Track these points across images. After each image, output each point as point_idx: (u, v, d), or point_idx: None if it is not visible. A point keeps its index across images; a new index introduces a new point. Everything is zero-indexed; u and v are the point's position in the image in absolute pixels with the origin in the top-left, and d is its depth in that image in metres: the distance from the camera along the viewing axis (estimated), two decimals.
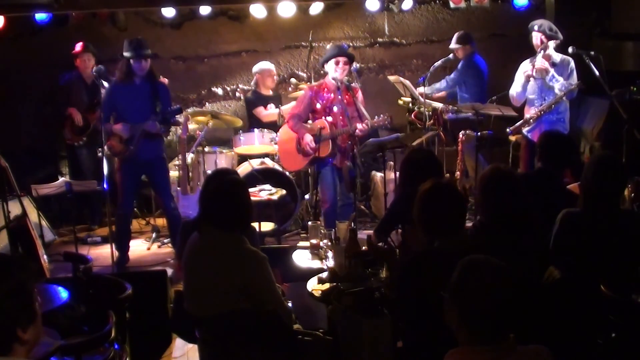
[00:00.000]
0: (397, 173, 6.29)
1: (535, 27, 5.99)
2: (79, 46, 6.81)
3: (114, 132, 5.67)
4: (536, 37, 5.98)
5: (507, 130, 6.27)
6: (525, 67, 6.08)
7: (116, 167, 5.84)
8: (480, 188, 3.43)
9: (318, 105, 5.89)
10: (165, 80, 6.81)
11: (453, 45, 7.14)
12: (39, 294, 1.97)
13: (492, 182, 3.36)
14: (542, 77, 5.94)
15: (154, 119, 5.55)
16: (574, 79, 5.90)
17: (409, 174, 3.99)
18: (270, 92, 7.21)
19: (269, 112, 7.01)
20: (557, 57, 5.95)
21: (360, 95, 6.03)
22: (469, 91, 7.10)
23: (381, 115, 5.74)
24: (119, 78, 5.68)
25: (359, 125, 5.71)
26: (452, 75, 7.23)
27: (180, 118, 6.05)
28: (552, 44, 5.93)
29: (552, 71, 5.88)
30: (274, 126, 6.93)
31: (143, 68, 5.60)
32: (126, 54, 5.58)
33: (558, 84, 5.85)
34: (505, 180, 3.36)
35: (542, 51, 5.93)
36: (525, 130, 6.11)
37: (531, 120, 6.00)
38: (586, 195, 3.43)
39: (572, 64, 5.91)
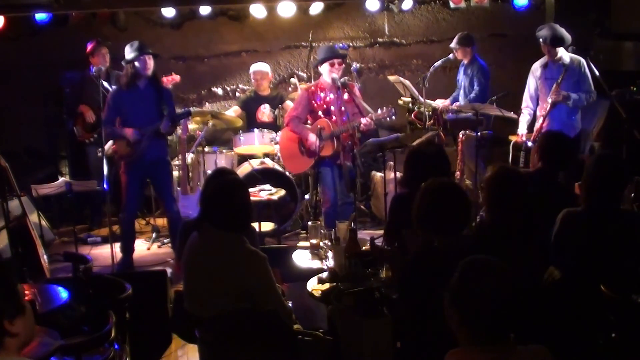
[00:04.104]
0: (397, 173, 6.30)
1: (541, 40, 5.93)
2: (91, 45, 6.74)
3: (122, 136, 5.66)
4: (543, 47, 5.95)
5: (529, 143, 6.01)
6: (535, 70, 6.07)
7: (121, 170, 5.82)
8: (486, 187, 3.42)
9: (316, 106, 5.89)
10: (177, 78, 6.78)
11: (454, 45, 6.87)
12: (39, 294, 1.98)
13: (498, 182, 3.35)
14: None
15: (167, 121, 5.57)
16: (588, 83, 5.84)
17: (416, 168, 3.86)
18: (268, 92, 7.18)
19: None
20: (567, 58, 5.90)
21: (357, 90, 6.02)
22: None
23: (384, 107, 5.72)
24: (124, 84, 5.68)
25: (363, 120, 5.69)
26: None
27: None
28: (561, 50, 5.88)
29: (570, 97, 5.82)
30: (273, 126, 6.93)
31: (148, 67, 5.61)
32: (131, 55, 5.60)
33: (572, 101, 5.83)
34: (510, 180, 3.36)
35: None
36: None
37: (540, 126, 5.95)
38: (587, 194, 3.43)
39: (583, 63, 5.85)
